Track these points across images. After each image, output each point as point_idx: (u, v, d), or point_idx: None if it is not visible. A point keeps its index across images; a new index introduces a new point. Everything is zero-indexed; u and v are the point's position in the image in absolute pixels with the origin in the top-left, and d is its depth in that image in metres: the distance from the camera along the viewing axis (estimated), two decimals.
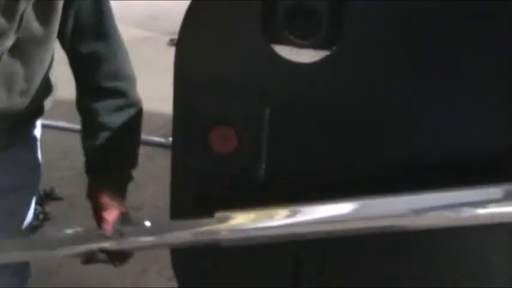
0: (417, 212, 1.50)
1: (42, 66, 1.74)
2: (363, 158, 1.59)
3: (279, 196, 1.63)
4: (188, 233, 1.64)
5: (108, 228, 1.68)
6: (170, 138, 1.73)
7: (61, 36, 1.75)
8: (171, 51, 1.64)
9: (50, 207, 3.34)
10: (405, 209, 1.50)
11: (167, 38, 6.21)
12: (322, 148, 1.60)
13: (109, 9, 1.77)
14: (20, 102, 1.74)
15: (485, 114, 1.51)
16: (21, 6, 1.59)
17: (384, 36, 1.53)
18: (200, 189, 1.69)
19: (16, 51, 1.65)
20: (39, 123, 1.96)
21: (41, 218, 3.32)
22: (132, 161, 1.83)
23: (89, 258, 1.70)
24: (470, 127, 1.52)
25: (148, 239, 1.68)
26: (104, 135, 1.78)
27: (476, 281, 1.58)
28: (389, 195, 1.50)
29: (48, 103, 1.91)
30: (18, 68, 1.69)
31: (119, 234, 1.67)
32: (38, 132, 1.96)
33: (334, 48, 1.53)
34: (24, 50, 1.67)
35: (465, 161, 1.52)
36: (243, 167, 1.64)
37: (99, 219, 1.75)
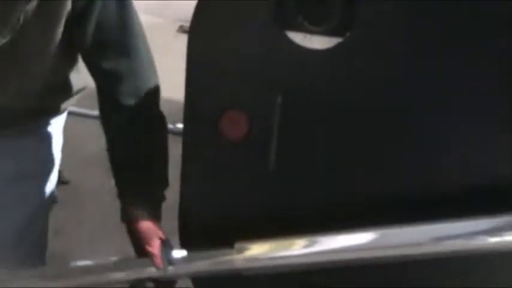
0: (437, 240, 1.51)
1: (42, 68, 1.72)
2: (375, 146, 1.59)
3: (289, 186, 1.65)
4: (208, 263, 1.67)
5: (158, 261, 1.68)
6: (179, 125, 1.73)
7: (81, 49, 1.72)
8: (181, 38, 1.64)
9: (58, 191, 3.36)
10: (425, 237, 1.51)
11: (177, 25, 6.21)
12: (332, 137, 1.60)
13: (135, 20, 1.70)
14: (17, 101, 1.75)
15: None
16: (18, 9, 1.57)
17: (397, 24, 1.53)
18: (210, 179, 1.70)
19: (11, 52, 1.63)
20: (56, 121, 1.95)
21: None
22: (164, 180, 1.78)
23: (137, 286, 1.73)
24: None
25: (168, 269, 1.69)
26: (132, 159, 1.74)
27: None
28: (408, 225, 1.51)
29: (66, 105, 1.92)
30: (12, 69, 1.68)
31: (168, 263, 1.68)
32: (53, 128, 1.94)
33: (347, 34, 1.53)
34: (20, 52, 1.65)
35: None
36: (253, 154, 1.64)
37: (139, 246, 1.73)
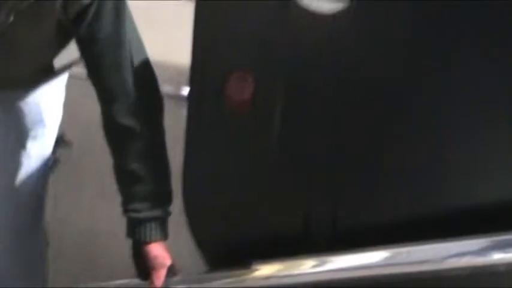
0: (446, 258, 1.51)
1: (30, 57, 1.75)
2: (379, 113, 1.58)
3: (294, 152, 1.64)
4: (224, 282, 1.66)
5: None
6: (183, 89, 1.73)
7: (81, 51, 1.72)
8: (185, 3, 1.63)
9: (59, 153, 3.36)
10: (434, 257, 1.51)
11: None
12: (337, 102, 1.59)
13: (133, 36, 1.68)
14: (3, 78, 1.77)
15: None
16: (9, 6, 1.59)
17: None
18: (214, 148, 1.70)
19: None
20: (51, 84, 1.95)
21: (51, 163, 3.35)
22: (168, 198, 1.74)
23: None
24: None
25: None
26: (135, 180, 1.71)
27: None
28: (417, 243, 1.51)
29: (54, 78, 1.93)
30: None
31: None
32: (47, 89, 1.94)
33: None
34: (7, 43, 1.67)
35: None
36: (259, 117, 1.63)
37: (142, 264, 1.71)
